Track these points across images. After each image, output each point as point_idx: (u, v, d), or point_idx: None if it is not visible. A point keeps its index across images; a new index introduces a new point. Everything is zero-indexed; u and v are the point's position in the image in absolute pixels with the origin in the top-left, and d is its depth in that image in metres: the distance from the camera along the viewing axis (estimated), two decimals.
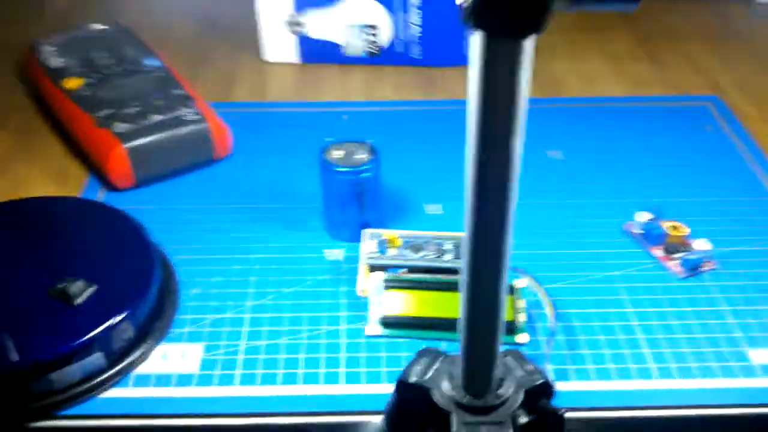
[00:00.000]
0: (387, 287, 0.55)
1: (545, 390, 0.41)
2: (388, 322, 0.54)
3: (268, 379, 0.51)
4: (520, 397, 0.40)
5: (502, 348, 0.39)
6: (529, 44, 0.28)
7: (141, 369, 0.52)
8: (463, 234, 0.34)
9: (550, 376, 0.48)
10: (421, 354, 0.43)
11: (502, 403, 0.40)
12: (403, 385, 0.41)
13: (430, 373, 0.41)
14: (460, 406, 0.39)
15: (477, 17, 0.27)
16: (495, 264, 0.35)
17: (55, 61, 0.78)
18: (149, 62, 0.78)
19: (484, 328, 0.37)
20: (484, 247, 0.35)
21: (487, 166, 0.31)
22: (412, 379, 0.41)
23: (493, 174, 0.32)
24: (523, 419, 0.40)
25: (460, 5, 0.27)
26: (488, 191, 0.32)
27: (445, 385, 0.40)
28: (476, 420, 0.39)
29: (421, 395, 0.41)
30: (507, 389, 0.40)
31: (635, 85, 0.83)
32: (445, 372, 0.41)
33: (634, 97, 0.81)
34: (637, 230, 0.61)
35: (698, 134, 0.74)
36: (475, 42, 0.28)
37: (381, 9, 0.84)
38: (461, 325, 0.38)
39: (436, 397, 0.40)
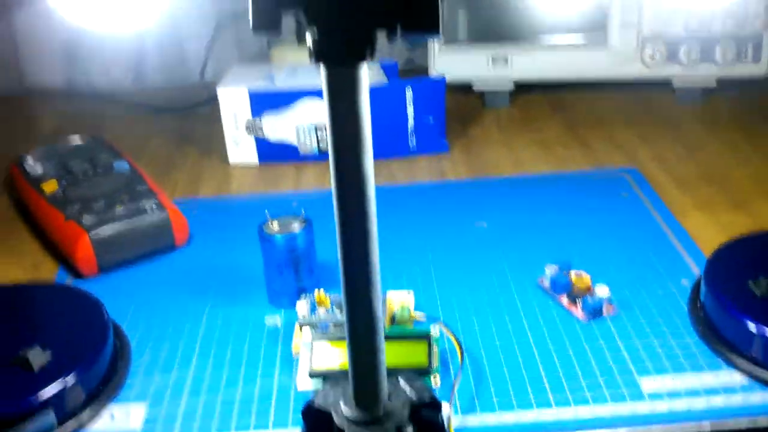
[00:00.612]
0: (315, 340, 0.61)
1: (431, 405, 0.46)
2: (314, 374, 0.59)
3: (203, 429, 0.56)
4: (407, 411, 0.45)
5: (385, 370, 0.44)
6: (361, 71, 0.36)
7: (91, 426, 0.57)
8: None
9: (452, 402, 0.53)
10: (327, 381, 0.48)
11: (389, 417, 0.45)
12: (307, 411, 0.47)
13: (331, 398, 0.47)
14: (351, 421, 0.45)
15: (318, 53, 0.35)
16: (366, 284, 0.41)
17: (36, 170, 0.87)
18: (119, 165, 0.86)
19: (366, 344, 0.43)
20: (354, 264, 0.41)
21: (344, 180, 0.38)
22: (316, 404, 0.46)
23: (350, 188, 0.38)
24: (409, 431, 0.45)
25: (308, 47, 0.35)
26: (350, 206, 0.39)
27: (342, 406, 0.45)
28: None
29: (323, 418, 0.46)
30: (394, 404, 0.45)
31: (562, 165, 0.91)
32: (341, 395, 0.46)
33: (558, 172, 0.89)
34: (546, 282, 0.67)
35: (615, 200, 0.82)
36: (322, 73, 0.36)
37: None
38: (348, 346, 0.43)
39: (335, 416, 0.45)
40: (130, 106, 1.18)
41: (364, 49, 0.35)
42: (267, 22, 0.35)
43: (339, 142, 0.38)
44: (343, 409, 0.45)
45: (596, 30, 1.03)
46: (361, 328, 0.42)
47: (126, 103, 1.19)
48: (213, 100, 1.15)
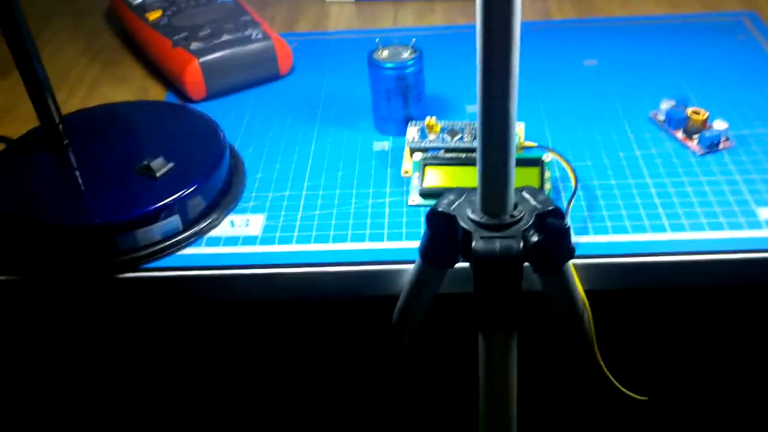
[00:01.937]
0: (426, 165, 0.62)
1: (555, 215, 0.47)
2: (426, 193, 0.61)
3: (321, 239, 0.58)
4: (532, 219, 0.46)
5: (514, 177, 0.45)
6: None
7: (212, 233, 0.60)
8: None
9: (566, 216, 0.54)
10: (448, 193, 0.49)
11: (515, 222, 0.46)
12: (432, 214, 0.48)
13: (455, 206, 0.48)
14: (478, 225, 0.46)
15: None
16: (503, 101, 0.41)
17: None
18: None
19: (496, 150, 0.43)
20: (491, 88, 0.41)
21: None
22: (440, 208, 0.48)
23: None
24: (534, 238, 0.46)
25: None
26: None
27: (468, 212, 0.47)
28: (492, 235, 0.45)
29: (448, 221, 0.47)
30: (520, 212, 0.46)
31: (674, 7, 0.87)
32: (467, 203, 0.47)
33: (669, 14, 0.85)
34: (661, 117, 0.66)
35: (730, 42, 0.78)
36: None
37: None
38: (478, 153, 0.44)
39: (460, 220, 0.46)
40: None
41: None
42: None
43: None
44: (470, 215, 0.46)
45: None
46: (497, 135, 0.43)
47: None
48: None
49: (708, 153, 0.62)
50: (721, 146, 0.62)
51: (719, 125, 0.62)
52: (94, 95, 0.81)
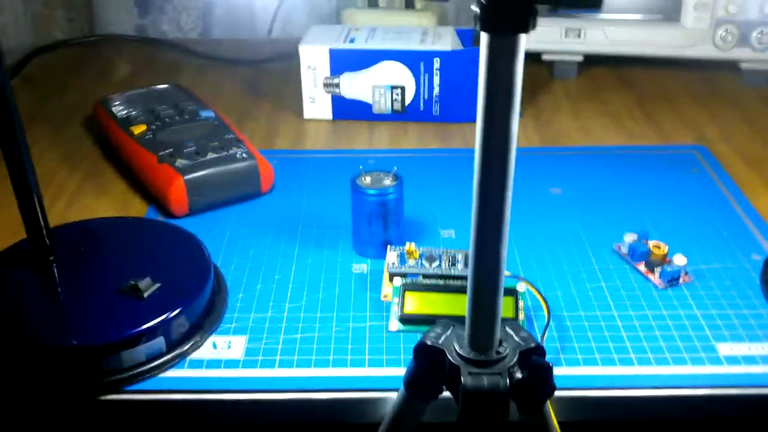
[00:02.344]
0: (406, 290, 0.65)
1: (537, 352, 0.49)
2: (405, 319, 0.63)
3: (303, 363, 0.60)
4: (516, 356, 0.48)
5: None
6: (520, 40, 0.38)
7: (194, 355, 0.62)
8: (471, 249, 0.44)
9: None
10: (435, 325, 0.51)
11: (501, 359, 0.48)
12: (420, 348, 0.50)
13: (442, 339, 0.50)
14: (467, 360, 0.48)
15: (483, 22, 0.38)
16: (496, 244, 0.44)
17: (122, 112, 0.91)
18: (205, 113, 0.90)
19: (487, 289, 0.46)
20: (486, 231, 0.44)
21: (491, 140, 0.41)
22: (429, 342, 0.50)
23: (495, 147, 0.41)
24: (518, 375, 0.48)
25: (473, 14, 0.38)
26: (492, 161, 0.42)
27: (456, 346, 0.49)
28: (479, 371, 0.47)
29: (436, 355, 0.49)
30: (505, 349, 0.49)
31: (630, 138, 0.93)
32: (454, 337, 0.50)
33: (627, 146, 0.91)
34: (624, 250, 0.70)
35: (684, 176, 0.84)
36: (483, 40, 0.38)
37: (407, 72, 0.95)
38: (469, 290, 0.47)
39: (448, 354, 0.49)
40: (199, 56, 1.21)
41: (527, 22, 0.38)
42: None
43: (490, 105, 0.40)
44: (458, 350, 0.48)
45: (669, 8, 1.05)
46: (485, 278, 0.46)
47: (195, 53, 1.22)
48: (281, 58, 1.18)
49: (669, 287, 0.66)
50: (681, 281, 0.66)
51: (679, 260, 0.67)
52: (75, 206, 0.82)
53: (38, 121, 1.01)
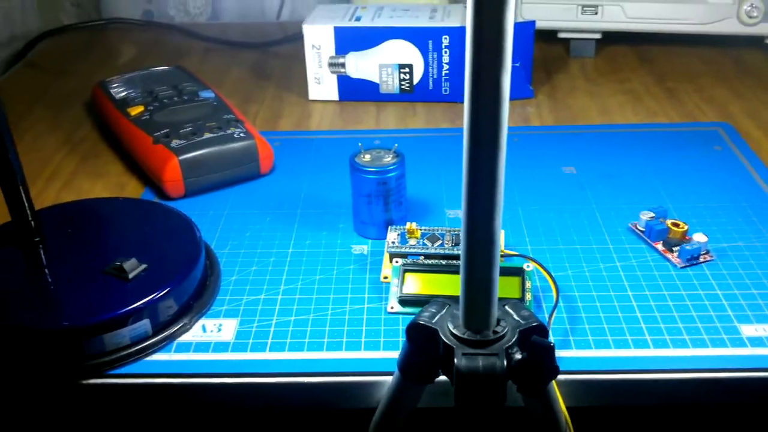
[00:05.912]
0: (406, 271, 0.61)
1: (539, 332, 0.45)
2: (405, 300, 0.59)
3: (296, 347, 0.57)
4: (515, 336, 0.45)
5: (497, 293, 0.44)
6: None
7: (183, 338, 0.58)
8: None
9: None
10: (431, 304, 0.48)
11: (498, 339, 0.44)
12: (413, 327, 0.46)
13: (436, 318, 0.47)
14: (461, 340, 0.44)
15: None
16: (489, 210, 0.40)
17: (121, 94, 0.88)
18: (204, 94, 0.87)
19: (480, 263, 0.42)
20: (479, 199, 0.40)
21: (480, 96, 0.37)
22: (422, 321, 0.46)
23: (485, 101, 0.37)
24: (518, 356, 0.44)
25: None
26: (482, 117, 0.38)
27: (450, 326, 0.45)
28: (475, 352, 0.44)
29: (429, 335, 0.46)
30: (503, 328, 0.45)
31: (649, 116, 0.89)
32: (449, 316, 0.46)
33: (648, 123, 0.87)
34: (641, 228, 0.66)
35: (707, 153, 0.79)
36: None
37: (415, 50, 0.92)
38: (462, 265, 0.43)
39: (442, 335, 0.45)
40: (206, 40, 1.18)
41: None
42: None
43: (479, 58, 0.36)
44: (452, 329, 0.45)
45: None
46: (479, 251, 0.42)
47: (202, 37, 1.19)
48: (289, 40, 1.15)
49: (688, 266, 0.62)
50: (701, 260, 0.62)
51: (699, 238, 0.62)
52: (70, 189, 0.80)
53: (41, 104, 0.99)
